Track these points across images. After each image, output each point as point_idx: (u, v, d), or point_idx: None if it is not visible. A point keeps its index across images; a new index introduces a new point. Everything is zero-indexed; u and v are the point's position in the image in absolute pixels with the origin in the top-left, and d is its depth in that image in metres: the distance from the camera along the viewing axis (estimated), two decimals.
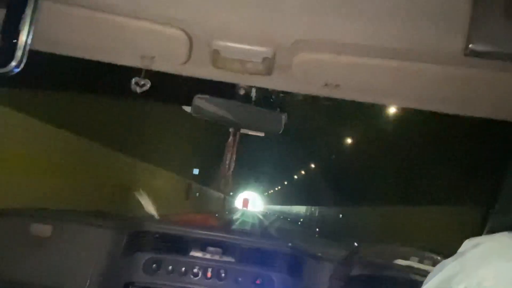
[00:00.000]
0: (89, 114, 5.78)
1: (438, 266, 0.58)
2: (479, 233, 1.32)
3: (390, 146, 9.81)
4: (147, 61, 1.23)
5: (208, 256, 1.53)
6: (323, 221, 23.63)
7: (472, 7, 0.51)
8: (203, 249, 1.55)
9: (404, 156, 9.43)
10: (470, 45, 0.51)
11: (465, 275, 0.53)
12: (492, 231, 1.27)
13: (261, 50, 1.12)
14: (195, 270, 1.50)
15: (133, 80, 1.21)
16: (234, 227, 14.14)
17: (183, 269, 1.49)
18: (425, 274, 1.26)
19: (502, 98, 1.17)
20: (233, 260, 1.54)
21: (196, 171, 15.18)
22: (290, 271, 1.54)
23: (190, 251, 1.54)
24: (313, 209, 27.88)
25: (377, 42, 1.02)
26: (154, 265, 1.48)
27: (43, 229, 1.48)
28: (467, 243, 0.56)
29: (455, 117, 1.35)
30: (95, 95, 4.89)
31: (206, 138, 10.51)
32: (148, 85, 1.23)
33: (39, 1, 0.66)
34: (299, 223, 28.23)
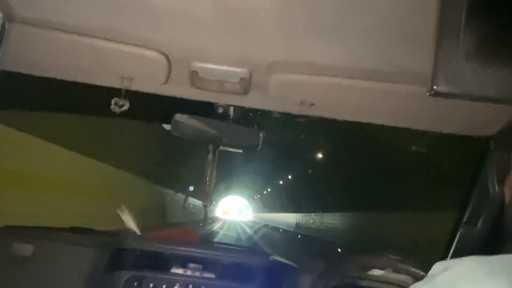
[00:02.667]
0: (70, 129, 5.75)
1: None
2: (451, 242, 1.37)
3: (366, 158, 10.04)
4: (127, 82, 1.24)
5: (189, 272, 1.53)
6: (303, 228, 23.75)
7: (435, 51, 0.54)
8: (184, 265, 1.54)
9: (381, 166, 9.64)
10: (434, 87, 0.54)
11: None
12: (462, 241, 1.33)
13: (238, 71, 1.15)
14: (176, 287, 1.50)
15: (113, 101, 1.23)
16: (215, 239, 14.03)
17: (164, 286, 1.49)
18: (399, 284, 1.30)
19: (470, 115, 1.22)
20: (213, 276, 1.54)
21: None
22: (270, 286, 1.56)
23: (171, 268, 1.54)
24: (293, 216, 27.97)
25: (349, 64, 1.06)
26: (135, 283, 1.47)
27: (24, 248, 1.46)
28: (437, 267, 0.59)
29: (428, 132, 1.39)
30: (79, 113, 4.91)
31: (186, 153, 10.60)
32: (127, 105, 1.24)
33: (7, 24, 0.65)
34: (280, 230, 28.22)
